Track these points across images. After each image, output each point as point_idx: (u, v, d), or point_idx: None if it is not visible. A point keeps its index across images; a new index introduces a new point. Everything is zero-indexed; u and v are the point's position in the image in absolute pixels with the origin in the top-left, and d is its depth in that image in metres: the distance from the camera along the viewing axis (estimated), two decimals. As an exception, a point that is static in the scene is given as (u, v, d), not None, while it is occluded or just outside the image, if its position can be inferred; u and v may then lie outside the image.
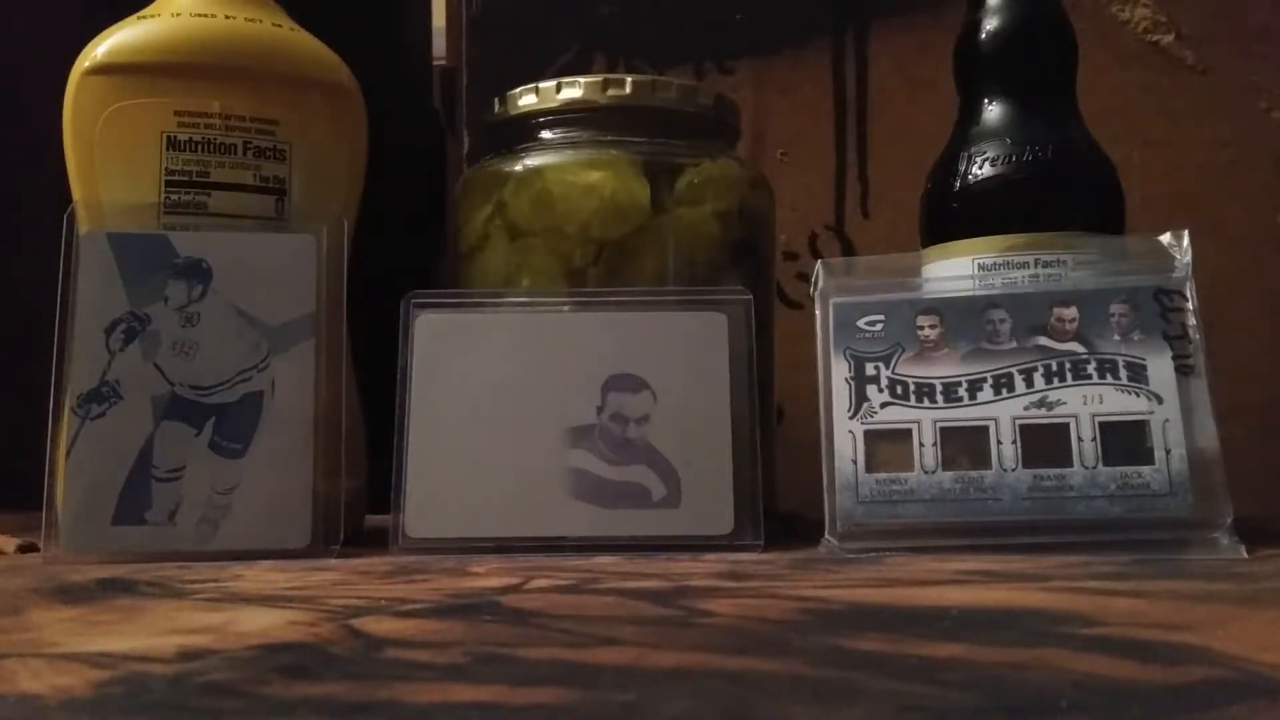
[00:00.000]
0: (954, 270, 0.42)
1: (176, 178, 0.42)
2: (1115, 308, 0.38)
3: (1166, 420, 0.36)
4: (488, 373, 0.40)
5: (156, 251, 0.40)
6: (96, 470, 0.38)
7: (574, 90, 0.46)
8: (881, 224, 0.63)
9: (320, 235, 0.41)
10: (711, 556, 0.37)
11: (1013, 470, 0.37)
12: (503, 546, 0.38)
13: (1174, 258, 0.39)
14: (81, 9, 0.45)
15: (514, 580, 0.31)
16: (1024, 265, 0.40)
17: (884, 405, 0.38)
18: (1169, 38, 0.62)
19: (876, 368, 0.39)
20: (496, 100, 0.48)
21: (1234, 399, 0.51)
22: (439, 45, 0.71)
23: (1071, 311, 0.38)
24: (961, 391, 0.38)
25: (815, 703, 0.18)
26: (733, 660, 0.21)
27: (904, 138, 0.62)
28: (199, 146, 0.42)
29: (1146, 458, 0.36)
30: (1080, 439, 0.37)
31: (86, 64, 0.42)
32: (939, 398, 0.38)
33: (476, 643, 0.23)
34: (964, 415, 0.38)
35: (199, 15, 0.43)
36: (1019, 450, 0.37)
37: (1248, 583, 0.30)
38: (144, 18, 0.43)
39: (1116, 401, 0.37)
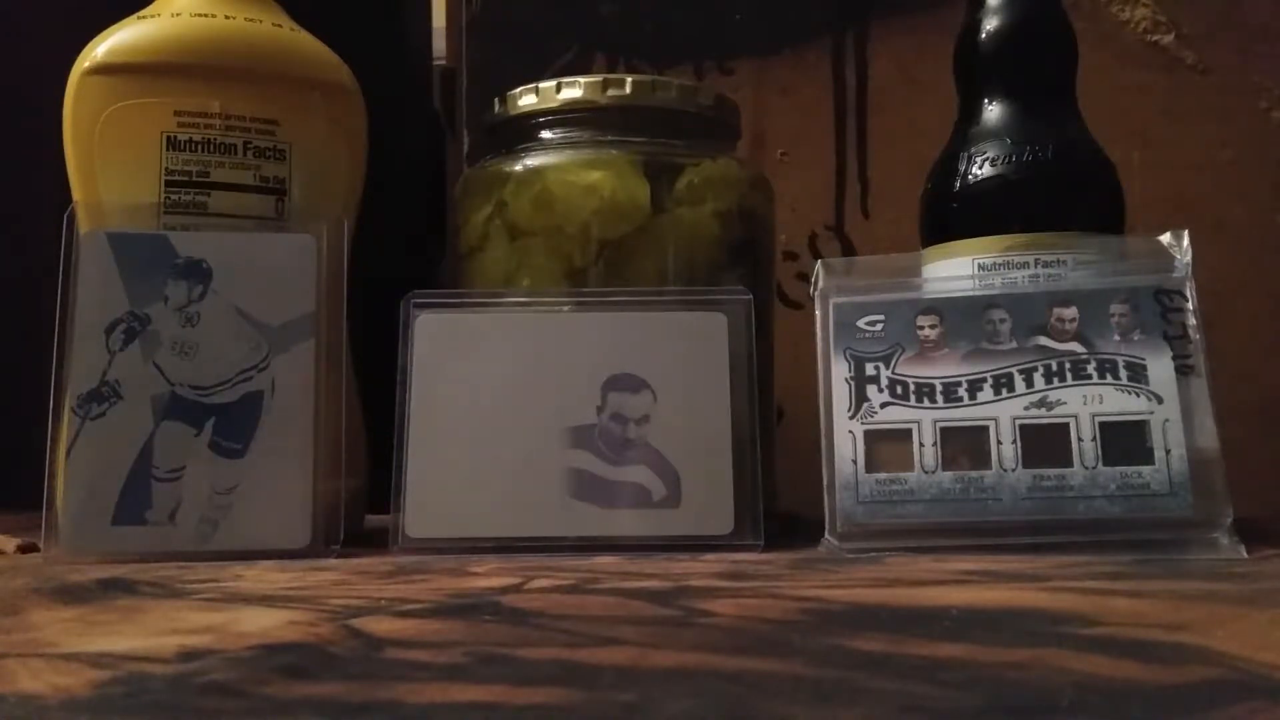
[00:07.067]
0: (954, 270, 0.42)
1: (176, 178, 0.42)
2: (1115, 308, 0.38)
3: (1166, 420, 0.36)
4: (488, 373, 0.40)
5: (156, 251, 0.40)
6: (96, 470, 0.38)
7: (574, 90, 0.46)
8: (881, 224, 0.63)
9: (320, 235, 0.41)
10: (711, 556, 0.37)
11: (1013, 470, 0.37)
12: (503, 546, 0.38)
13: (1174, 258, 0.39)
14: (81, 9, 0.45)
15: (514, 580, 0.31)
16: (1024, 265, 0.40)
17: (884, 405, 0.38)
18: (1169, 38, 0.62)
19: (876, 368, 0.39)
20: (496, 100, 0.48)
21: (1234, 399, 0.51)
22: (439, 45, 0.71)
23: (1071, 311, 0.38)
24: (961, 391, 0.38)
25: (815, 703, 0.18)
26: (733, 660, 0.21)
27: (904, 138, 0.62)
28: (199, 146, 0.42)
29: (1146, 458, 0.36)
30: (1080, 439, 0.37)
31: (86, 64, 0.42)
32: (939, 398, 0.38)
33: (476, 643, 0.23)
34: (964, 415, 0.37)
35: (199, 15, 0.43)
36: (1019, 450, 0.37)
37: (1248, 583, 0.30)
38: (144, 18, 0.43)
39: (1116, 401, 0.37)
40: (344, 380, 0.42)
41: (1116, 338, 0.38)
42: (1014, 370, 0.38)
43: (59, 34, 0.45)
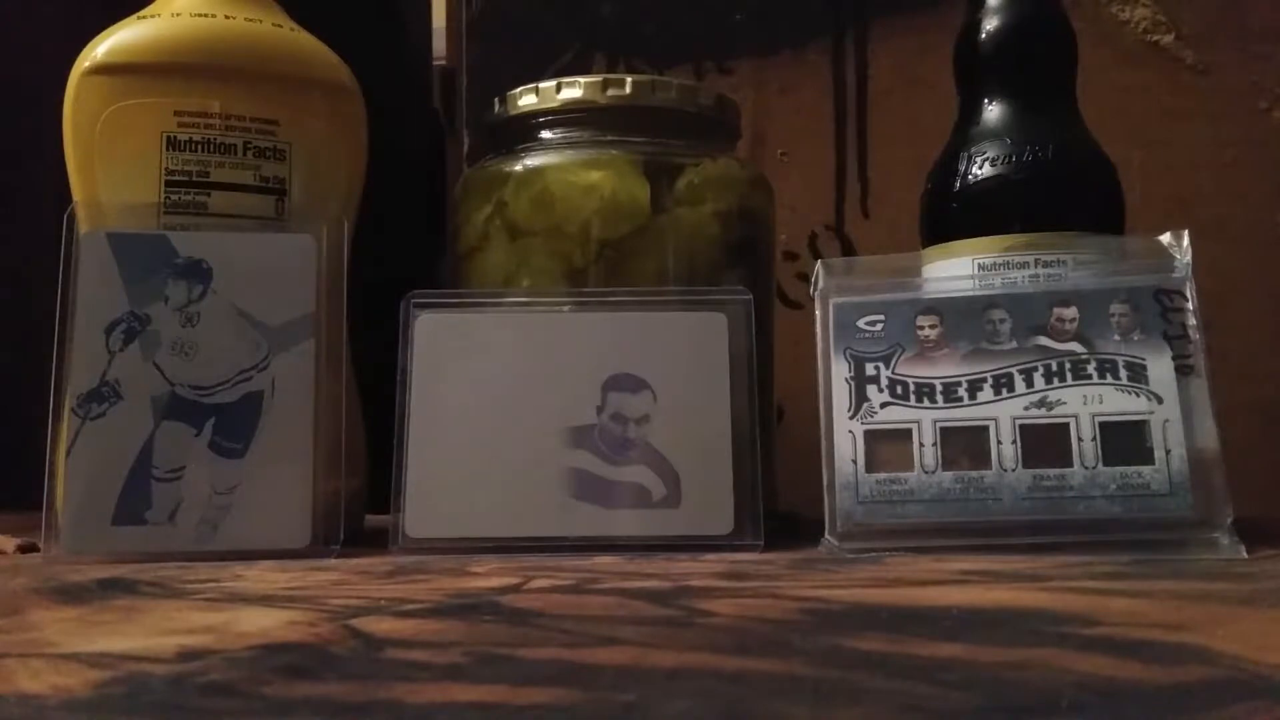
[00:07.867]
0: (954, 270, 0.41)
1: (176, 178, 0.42)
2: (1115, 308, 0.38)
3: (1166, 420, 0.36)
4: (488, 373, 0.40)
5: (156, 251, 0.40)
6: (96, 470, 0.38)
7: (574, 90, 0.46)
8: (881, 224, 0.63)
9: (320, 235, 0.41)
10: (711, 556, 0.37)
11: (1013, 470, 0.37)
12: (503, 546, 0.38)
13: (1174, 258, 0.39)
14: (81, 9, 0.45)
15: (514, 580, 0.31)
16: (1024, 265, 0.40)
17: (884, 405, 0.38)
18: (1169, 38, 0.62)
19: (876, 368, 0.39)
20: (496, 100, 0.48)
21: (1234, 399, 0.51)
22: (439, 45, 0.71)
23: (1071, 311, 0.38)
24: (961, 391, 0.38)
25: (815, 703, 0.18)
26: (733, 660, 0.21)
27: (904, 138, 0.62)
28: (199, 146, 0.42)
29: (1146, 458, 0.36)
30: (1080, 439, 0.37)
31: (86, 64, 0.42)
32: (939, 398, 0.38)
33: (476, 643, 0.23)
34: (964, 415, 0.37)
35: (199, 15, 0.43)
36: (1019, 450, 0.37)
37: (1248, 583, 0.30)
38: (144, 18, 0.43)
39: (1116, 401, 0.37)
40: (344, 380, 0.42)
41: (1116, 338, 0.38)
42: (1014, 370, 0.38)
43: (59, 34, 0.45)
